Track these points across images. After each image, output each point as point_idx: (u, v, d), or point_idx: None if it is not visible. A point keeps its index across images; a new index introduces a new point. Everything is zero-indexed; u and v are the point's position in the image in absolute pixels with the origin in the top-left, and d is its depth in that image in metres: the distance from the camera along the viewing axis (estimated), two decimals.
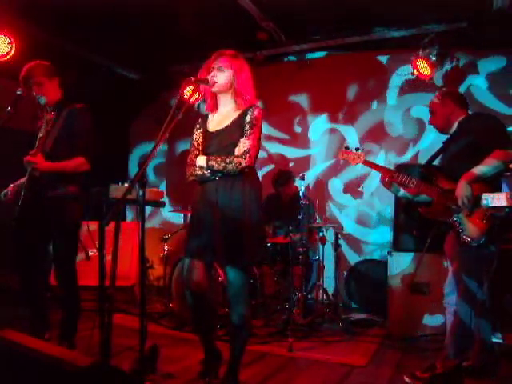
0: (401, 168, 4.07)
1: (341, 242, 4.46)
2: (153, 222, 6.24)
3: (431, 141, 4.72)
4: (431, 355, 3.17)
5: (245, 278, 2.39)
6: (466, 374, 2.64)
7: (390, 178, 2.85)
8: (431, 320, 3.64)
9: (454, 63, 4.45)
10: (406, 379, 2.67)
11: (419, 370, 2.68)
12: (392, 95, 5.18)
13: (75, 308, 2.96)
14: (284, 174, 4.74)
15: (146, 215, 5.03)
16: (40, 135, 2.76)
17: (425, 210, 2.79)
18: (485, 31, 4.23)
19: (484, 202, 2.46)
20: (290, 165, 5.56)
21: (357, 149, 3.03)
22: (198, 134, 2.48)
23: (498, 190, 2.62)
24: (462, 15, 4.11)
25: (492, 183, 2.57)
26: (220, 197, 2.31)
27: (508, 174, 3.33)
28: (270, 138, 5.62)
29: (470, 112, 2.90)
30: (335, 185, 5.38)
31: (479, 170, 2.54)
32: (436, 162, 2.96)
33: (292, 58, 5.54)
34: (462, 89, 4.77)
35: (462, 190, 2.55)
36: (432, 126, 2.97)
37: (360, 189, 5.16)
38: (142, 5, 4.03)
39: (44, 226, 2.81)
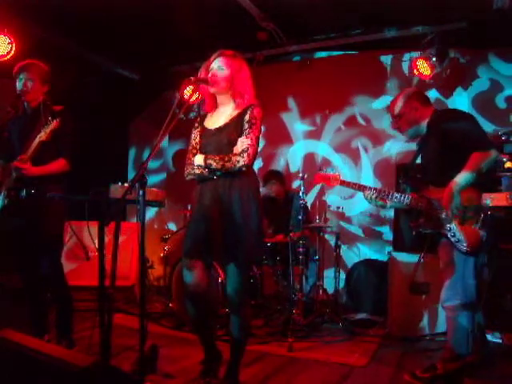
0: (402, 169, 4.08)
1: (341, 241, 4.46)
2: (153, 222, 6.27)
3: None
4: (431, 355, 3.17)
5: (244, 277, 2.39)
6: (467, 374, 2.64)
7: (372, 195, 2.77)
8: (431, 320, 3.64)
9: (453, 63, 4.46)
10: (407, 378, 2.67)
11: (419, 369, 2.68)
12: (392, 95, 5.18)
13: (67, 306, 2.98)
14: (266, 175, 4.74)
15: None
16: (37, 141, 2.74)
17: (415, 223, 2.70)
18: (485, 31, 4.23)
19: (484, 202, 2.46)
20: (290, 165, 5.56)
21: (332, 170, 3.01)
22: (196, 133, 2.48)
23: (490, 190, 2.56)
24: (462, 15, 4.11)
25: (481, 186, 2.50)
26: (219, 196, 2.31)
27: (508, 174, 3.33)
28: (268, 138, 5.62)
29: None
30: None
31: (462, 179, 2.45)
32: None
33: (292, 58, 5.54)
34: (462, 89, 4.79)
35: (449, 199, 2.48)
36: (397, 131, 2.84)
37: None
38: (142, 5, 4.03)
39: (30, 227, 2.83)
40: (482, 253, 2.53)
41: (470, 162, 2.45)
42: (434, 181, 2.65)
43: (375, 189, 2.79)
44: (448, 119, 2.66)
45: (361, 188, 2.83)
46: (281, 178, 4.71)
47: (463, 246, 2.51)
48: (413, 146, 4.91)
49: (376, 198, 2.77)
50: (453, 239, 2.54)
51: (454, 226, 2.53)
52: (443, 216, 2.56)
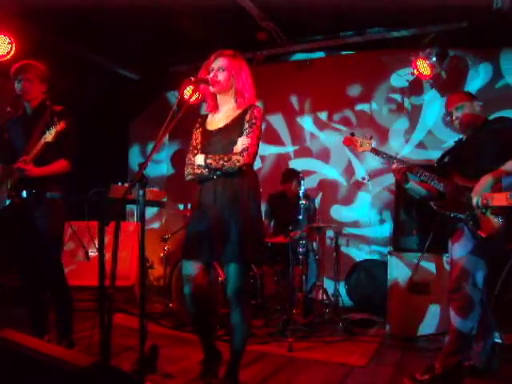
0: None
1: (341, 242, 4.46)
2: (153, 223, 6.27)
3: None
4: (431, 355, 3.17)
5: (244, 276, 2.39)
6: (468, 374, 2.64)
7: (403, 168, 2.76)
8: (431, 320, 3.64)
9: (453, 63, 4.46)
10: (406, 382, 2.66)
11: (419, 370, 2.67)
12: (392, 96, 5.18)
13: (67, 305, 2.98)
14: (286, 173, 4.75)
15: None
16: (42, 142, 2.75)
17: (438, 203, 2.70)
18: (485, 31, 4.23)
19: (484, 201, 2.46)
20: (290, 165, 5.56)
21: (365, 135, 2.94)
22: (197, 134, 2.48)
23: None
24: (462, 15, 4.11)
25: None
26: (219, 195, 2.31)
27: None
28: (268, 138, 5.62)
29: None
30: (338, 183, 5.39)
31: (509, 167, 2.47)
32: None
33: (292, 58, 5.54)
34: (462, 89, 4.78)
35: (483, 185, 2.47)
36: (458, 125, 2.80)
37: (364, 180, 5.15)
38: (142, 5, 4.03)
39: (31, 227, 2.83)
40: (503, 245, 2.52)
41: None
42: (464, 171, 2.66)
43: (405, 163, 2.79)
44: (503, 122, 2.72)
45: (391, 160, 2.82)
46: (299, 178, 4.72)
47: (482, 234, 2.49)
48: (412, 148, 4.98)
49: (404, 172, 2.76)
50: (471, 223, 2.53)
51: (476, 212, 2.52)
52: (469, 202, 2.54)
